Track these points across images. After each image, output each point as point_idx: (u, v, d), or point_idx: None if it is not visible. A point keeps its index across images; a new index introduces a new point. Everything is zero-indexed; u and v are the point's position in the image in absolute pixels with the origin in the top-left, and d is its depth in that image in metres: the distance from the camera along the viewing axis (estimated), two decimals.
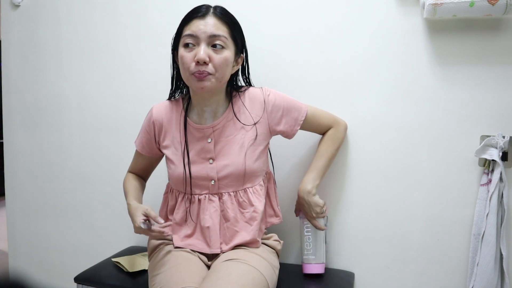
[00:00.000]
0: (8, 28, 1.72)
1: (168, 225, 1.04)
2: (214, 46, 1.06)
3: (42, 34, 1.67)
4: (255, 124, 1.15)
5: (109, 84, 1.59)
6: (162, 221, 1.01)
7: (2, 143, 1.86)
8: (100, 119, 1.62)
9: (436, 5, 1.14)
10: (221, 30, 1.06)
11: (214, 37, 1.05)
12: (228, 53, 1.07)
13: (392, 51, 1.28)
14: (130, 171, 1.31)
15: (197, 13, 1.07)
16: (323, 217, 1.24)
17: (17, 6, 1.69)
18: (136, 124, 1.56)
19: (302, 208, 1.23)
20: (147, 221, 1.03)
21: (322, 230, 1.23)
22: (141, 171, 1.30)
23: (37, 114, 1.71)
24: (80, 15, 1.61)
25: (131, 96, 1.56)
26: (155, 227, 1.02)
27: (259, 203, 1.15)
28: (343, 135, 1.27)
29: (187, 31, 1.06)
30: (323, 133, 1.27)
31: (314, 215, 1.21)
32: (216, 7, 1.09)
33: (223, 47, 1.06)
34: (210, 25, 1.05)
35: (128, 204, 1.13)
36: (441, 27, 1.23)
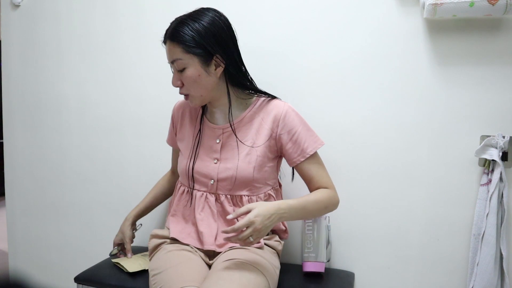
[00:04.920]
0: (8, 28, 1.72)
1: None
2: (177, 68, 1.09)
3: (42, 34, 1.67)
4: (268, 135, 1.14)
5: (109, 84, 1.59)
6: (130, 256, 1.31)
7: (2, 143, 1.86)
8: (100, 119, 1.62)
9: (436, 5, 1.14)
10: (175, 53, 1.07)
11: (173, 62, 1.09)
12: (190, 70, 1.07)
13: (392, 51, 1.28)
14: (170, 169, 1.42)
15: (162, 40, 1.12)
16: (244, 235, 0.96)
17: (17, 6, 1.69)
18: (135, 124, 1.56)
19: (255, 211, 0.97)
20: (120, 250, 1.37)
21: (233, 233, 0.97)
22: (176, 167, 1.37)
23: (37, 114, 1.71)
24: (80, 15, 1.61)
25: (131, 96, 1.56)
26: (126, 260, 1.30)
27: None
28: (335, 203, 1.14)
29: None
30: (312, 189, 1.15)
31: (256, 225, 0.95)
32: (173, 26, 1.08)
33: (184, 68, 1.08)
34: (168, 51, 1.09)
35: (128, 215, 1.35)
36: (441, 27, 1.23)
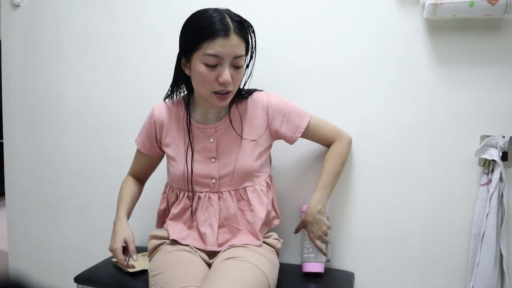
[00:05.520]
0: (8, 28, 1.72)
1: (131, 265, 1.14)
2: (234, 64, 1.05)
3: (42, 34, 1.67)
4: (261, 124, 1.16)
5: (108, 84, 1.59)
6: (136, 258, 1.08)
7: (2, 143, 1.86)
8: (100, 119, 1.62)
9: (436, 5, 1.14)
10: (242, 48, 1.06)
11: (237, 58, 1.04)
12: (243, 67, 1.09)
13: (392, 51, 1.28)
14: (130, 174, 1.33)
15: (221, 30, 1.00)
16: (326, 241, 1.22)
17: (17, 6, 1.69)
18: (135, 124, 1.56)
19: (308, 227, 1.22)
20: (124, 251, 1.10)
21: (324, 253, 1.22)
22: (141, 173, 1.31)
23: (37, 114, 1.71)
24: (80, 15, 1.61)
25: (131, 96, 1.56)
26: (130, 261, 1.11)
27: (258, 204, 1.15)
28: (347, 149, 1.26)
29: (211, 50, 1.01)
30: (326, 145, 1.27)
31: (320, 233, 1.20)
32: (233, 22, 1.03)
33: (242, 65, 1.08)
34: (234, 45, 1.02)
35: (117, 217, 1.17)
36: (441, 27, 1.23)
